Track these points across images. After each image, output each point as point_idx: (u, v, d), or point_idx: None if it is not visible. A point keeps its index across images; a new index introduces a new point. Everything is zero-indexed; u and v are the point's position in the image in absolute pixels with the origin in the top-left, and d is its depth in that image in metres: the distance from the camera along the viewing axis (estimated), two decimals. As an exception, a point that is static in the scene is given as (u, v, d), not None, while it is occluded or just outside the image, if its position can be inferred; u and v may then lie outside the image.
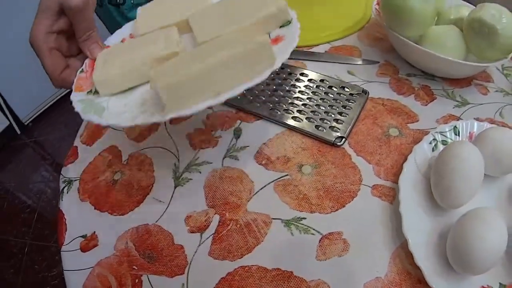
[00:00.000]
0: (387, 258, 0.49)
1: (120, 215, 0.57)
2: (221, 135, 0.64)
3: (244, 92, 0.67)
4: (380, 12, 0.73)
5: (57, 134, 2.34)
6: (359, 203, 0.54)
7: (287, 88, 0.69)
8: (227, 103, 0.68)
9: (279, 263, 0.49)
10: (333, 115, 0.64)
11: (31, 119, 2.41)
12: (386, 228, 0.52)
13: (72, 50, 0.57)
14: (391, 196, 0.55)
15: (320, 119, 0.63)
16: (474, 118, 0.62)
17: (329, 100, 0.66)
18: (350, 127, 0.62)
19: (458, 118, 0.64)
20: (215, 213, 0.55)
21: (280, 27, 0.55)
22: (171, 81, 0.44)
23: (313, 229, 0.52)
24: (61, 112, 2.46)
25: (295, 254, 0.50)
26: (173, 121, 0.68)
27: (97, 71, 0.53)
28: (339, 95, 0.67)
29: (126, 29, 0.62)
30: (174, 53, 0.53)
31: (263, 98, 0.68)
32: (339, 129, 0.62)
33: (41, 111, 2.44)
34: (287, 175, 0.58)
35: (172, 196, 0.58)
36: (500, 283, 0.46)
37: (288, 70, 0.73)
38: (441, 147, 0.57)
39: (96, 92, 0.53)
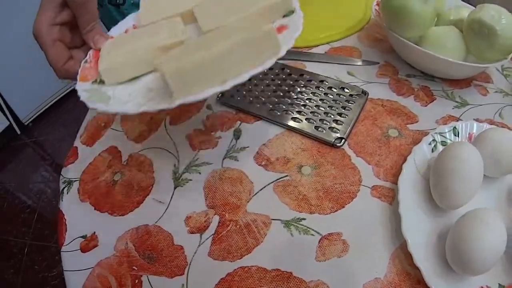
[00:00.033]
0: (386, 259, 0.49)
1: (120, 215, 0.57)
2: (221, 136, 0.64)
3: (244, 93, 0.68)
4: (380, 13, 0.73)
5: (57, 134, 2.34)
6: (358, 204, 0.54)
7: (286, 89, 0.69)
8: (227, 104, 0.68)
9: (279, 264, 0.50)
10: (332, 116, 0.64)
11: (31, 119, 2.41)
12: (385, 229, 0.52)
13: (75, 41, 0.57)
14: (391, 197, 0.55)
15: (320, 120, 0.63)
16: (474, 119, 0.62)
17: (328, 101, 0.66)
18: (349, 128, 0.62)
19: (458, 119, 0.64)
20: (215, 214, 0.55)
21: (284, 16, 0.55)
22: (179, 68, 0.44)
23: (313, 230, 0.52)
24: (61, 112, 2.47)
25: (295, 255, 0.50)
26: (172, 121, 0.68)
27: (102, 60, 0.53)
28: (339, 96, 0.67)
29: (129, 20, 0.62)
30: (179, 42, 0.53)
31: (263, 99, 0.68)
32: (338, 130, 0.62)
33: (41, 111, 2.44)
34: (286, 176, 0.58)
35: (172, 197, 0.58)
36: (499, 283, 0.46)
37: (288, 71, 0.73)
38: (440, 148, 0.57)
39: (101, 81, 0.54)
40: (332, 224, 0.53)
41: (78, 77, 0.53)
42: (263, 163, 0.60)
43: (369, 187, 0.56)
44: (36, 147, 2.30)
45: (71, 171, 0.65)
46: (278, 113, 0.65)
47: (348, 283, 0.47)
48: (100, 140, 0.68)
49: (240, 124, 0.66)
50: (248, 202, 0.56)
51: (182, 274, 0.50)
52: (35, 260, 1.74)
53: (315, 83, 0.70)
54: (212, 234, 0.53)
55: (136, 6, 0.68)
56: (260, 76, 0.72)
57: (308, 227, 0.52)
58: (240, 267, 0.50)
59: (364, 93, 0.67)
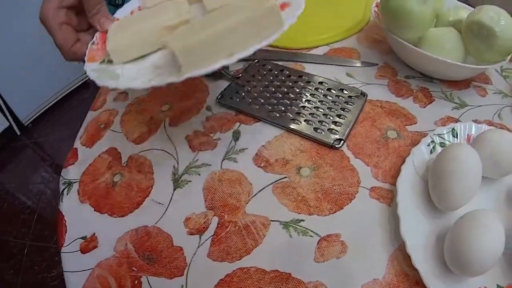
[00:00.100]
0: (385, 260, 0.49)
1: (119, 216, 0.57)
2: (220, 137, 0.65)
3: (243, 94, 0.68)
4: (379, 14, 0.73)
5: (56, 135, 2.34)
6: (357, 205, 0.54)
7: (285, 90, 0.69)
8: (226, 105, 0.69)
9: (278, 265, 0.50)
10: (331, 118, 0.64)
11: (31, 120, 2.41)
12: (384, 230, 0.52)
13: (82, 25, 0.58)
14: (389, 198, 0.55)
15: (319, 121, 0.63)
16: (473, 120, 0.62)
17: (327, 103, 0.66)
18: (348, 129, 0.62)
19: (457, 120, 0.64)
20: (214, 215, 0.55)
21: None
22: (186, 43, 0.46)
23: (312, 231, 0.52)
24: (61, 113, 2.47)
25: (294, 256, 0.50)
26: (172, 123, 0.68)
27: (110, 41, 0.55)
28: (338, 98, 0.67)
29: (134, 2, 0.63)
30: (185, 21, 0.55)
31: (262, 101, 0.68)
32: (337, 131, 0.62)
33: (41, 112, 2.45)
34: (285, 177, 0.58)
35: (171, 198, 0.58)
36: (497, 284, 0.46)
37: (287, 72, 0.73)
38: (439, 149, 0.57)
39: (109, 61, 0.55)
40: (331, 225, 0.53)
41: (86, 58, 0.55)
42: (262, 164, 0.60)
43: (367, 189, 0.56)
44: (36, 147, 2.31)
45: (71, 172, 0.65)
46: (277, 115, 0.65)
47: (346, 284, 0.47)
48: (100, 141, 0.69)
49: (239, 126, 0.66)
50: (247, 203, 0.56)
51: (181, 275, 0.50)
52: (35, 260, 1.74)
53: (314, 85, 0.70)
54: (211, 235, 0.53)
55: None
56: (260, 77, 0.72)
57: (306, 228, 0.52)
58: (239, 268, 0.50)
59: (363, 94, 0.67)
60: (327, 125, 0.63)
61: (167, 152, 0.64)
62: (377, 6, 0.76)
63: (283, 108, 0.66)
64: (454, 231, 0.46)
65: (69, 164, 0.66)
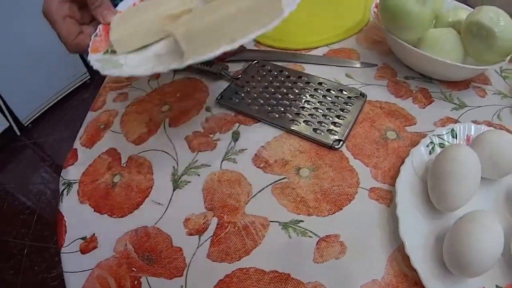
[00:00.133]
0: (384, 261, 0.49)
1: (119, 217, 0.58)
2: (220, 138, 0.65)
3: (243, 95, 0.69)
4: (378, 15, 0.73)
5: (56, 135, 2.34)
6: (356, 206, 0.55)
7: (285, 91, 0.69)
8: (226, 106, 0.69)
9: (277, 266, 0.50)
10: (331, 118, 0.64)
11: (30, 121, 2.41)
12: (383, 231, 0.52)
13: (84, 18, 0.60)
14: (388, 199, 0.55)
15: (318, 122, 0.64)
16: (472, 121, 0.62)
17: (327, 103, 0.66)
18: (348, 130, 0.62)
19: (456, 121, 0.64)
20: (214, 216, 0.55)
21: None
22: (189, 30, 0.47)
23: (311, 232, 0.52)
24: (60, 114, 2.47)
25: (293, 257, 0.50)
26: (172, 124, 0.68)
27: (113, 31, 0.56)
28: (337, 98, 0.67)
29: None
30: (188, 10, 0.57)
31: (261, 101, 0.68)
32: (337, 132, 0.62)
33: (40, 112, 2.45)
34: (285, 178, 0.58)
35: (171, 199, 0.58)
36: (496, 285, 0.46)
37: (286, 73, 0.73)
38: (438, 150, 0.57)
39: (112, 52, 0.57)
40: (330, 226, 0.53)
41: (89, 49, 0.56)
42: (261, 165, 0.60)
43: (367, 189, 0.56)
44: (36, 148, 2.31)
45: (71, 173, 0.65)
46: (277, 116, 0.65)
47: (345, 284, 0.47)
48: (100, 142, 0.69)
49: (238, 126, 0.66)
50: (246, 204, 0.56)
51: (181, 275, 0.50)
52: (35, 261, 1.74)
53: (314, 86, 0.70)
54: (211, 236, 0.53)
55: None
56: (259, 78, 0.72)
57: (306, 229, 0.52)
58: (239, 268, 0.50)
59: (363, 95, 0.67)
60: (326, 125, 0.63)
61: (166, 152, 0.64)
62: (376, 6, 0.76)
63: (282, 109, 0.66)
64: (453, 232, 0.46)
65: (69, 164, 0.66)
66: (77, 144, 0.69)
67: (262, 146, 0.62)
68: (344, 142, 0.61)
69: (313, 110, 0.66)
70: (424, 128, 0.63)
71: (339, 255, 0.50)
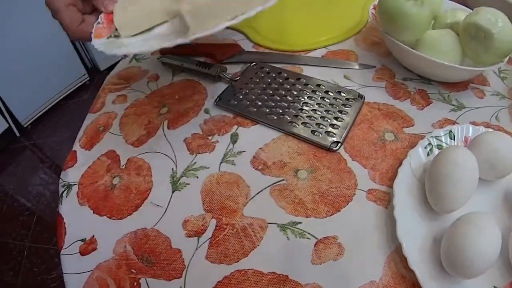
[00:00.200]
0: (381, 262, 0.49)
1: (118, 219, 0.58)
2: (218, 140, 0.65)
3: (241, 97, 0.69)
4: (377, 17, 0.73)
5: (56, 136, 2.35)
6: (354, 207, 0.55)
7: (283, 93, 0.70)
8: (224, 107, 0.69)
9: (275, 267, 0.50)
10: (329, 120, 0.64)
11: (30, 122, 2.41)
12: (381, 233, 0.52)
13: (86, 8, 0.61)
14: (386, 200, 0.55)
15: (316, 124, 0.64)
16: (470, 122, 0.62)
17: (325, 105, 0.67)
18: (346, 132, 0.62)
19: (454, 122, 0.64)
20: (212, 218, 0.55)
21: None
22: (194, 5, 0.51)
23: (309, 234, 0.52)
24: (60, 115, 2.47)
25: (291, 258, 0.50)
26: (170, 126, 0.68)
27: (117, 15, 0.58)
28: (335, 100, 0.67)
29: None
30: None
31: (260, 103, 0.68)
32: (335, 134, 0.62)
33: (40, 113, 2.45)
34: (283, 180, 0.58)
35: (169, 201, 0.58)
36: (494, 286, 0.46)
37: (285, 75, 0.73)
38: (436, 151, 0.58)
39: (115, 37, 0.58)
40: (328, 227, 0.53)
41: (92, 35, 0.58)
42: (259, 167, 0.60)
43: (364, 191, 0.56)
44: (35, 149, 2.31)
45: (70, 175, 0.65)
46: (275, 117, 0.65)
47: (343, 286, 0.48)
48: (99, 143, 0.69)
49: (237, 128, 0.66)
50: (244, 206, 0.56)
51: (179, 277, 0.51)
52: (34, 262, 1.75)
53: (312, 87, 0.70)
54: (209, 238, 0.53)
55: None
56: (257, 80, 0.72)
57: (304, 231, 0.53)
58: (237, 270, 0.50)
59: (361, 97, 0.68)
60: (324, 127, 0.63)
61: (165, 155, 0.64)
62: (374, 8, 0.76)
63: (280, 111, 0.66)
64: (450, 234, 0.46)
65: (68, 166, 0.66)
66: (76, 146, 0.70)
67: (261, 148, 0.63)
68: (342, 144, 0.61)
69: (311, 112, 0.66)
70: (422, 129, 0.63)
71: (337, 256, 0.50)
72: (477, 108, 0.67)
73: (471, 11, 0.65)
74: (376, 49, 0.80)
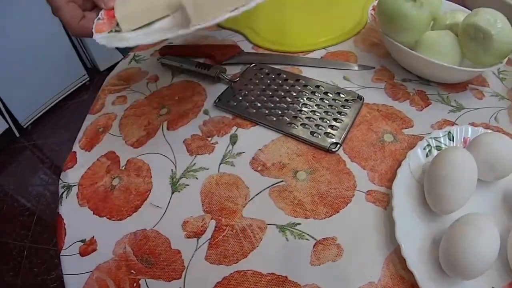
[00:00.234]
0: (380, 263, 0.49)
1: (118, 220, 0.58)
2: (218, 141, 0.65)
3: (240, 98, 0.69)
4: (376, 18, 0.73)
5: (55, 137, 2.35)
6: (353, 209, 0.55)
7: (282, 94, 0.70)
8: (224, 109, 0.69)
9: (274, 268, 0.50)
10: (328, 121, 0.64)
11: (30, 122, 2.42)
12: (379, 234, 0.52)
13: (86, 5, 0.61)
14: (385, 201, 0.55)
15: (315, 125, 0.64)
16: (469, 123, 0.63)
17: (324, 106, 0.67)
18: (345, 133, 0.63)
19: (453, 123, 0.64)
20: (212, 219, 0.55)
21: None
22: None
23: (308, 235, 0.52)
24: (59, 115, 2.48)
25: (290, 259, 0.51)
26: (170, 127, 0.69)
27: (118, 11, 0.59)
28: (335, 101, 0.67)
29: None
30: None
31: (259, 104, 0.68)
32: (334, 135, 0.62)
33: (40, 114, 2.45)
34: (282, 181, 0.58)
35: (169, 202, 0.58)
36: (493, 287, 0.46)
37: (284, 76, 0.73)
38: (435, 152, 0.58)
39: (116, 31, 0.59)
40: (327, 228, 0.53)
41: (93, 30, 0.58)
42: (259, 168, 0.60)
43: (363, 192, 0.56)
44: (35, 150, 2.31)
45: (70, 176, 0.65)
46: (274, 119, 0.66)
47: (342, 287, 0.48)
48: (99, 145, 0.69)
49: (236, 130, 0.66)
50: (244, 207, 0.56)
51: (179, 277, 0.51)
52: (34, 262, 1.75)
53: (311, 88, 0.70)
54: (209, 239, 0.54)
55: None
56: (257, 81, 0.73)
57: (303, 232, 0.53)
58: (236, 271, 0.50)
59: (360, 98, 0.68)
60: (323, 129, 0.63)
61: (165, 156, 0.64)
62: (373, 9, 0.76)
63: (280, 112, 0.67)
64: (449, 235, 0.46)
65: (68, 167, 0.66)
66: (76, 147, 0.70)
67: (260, 149, 0.63)
68: (341, 145, 0.61)
69: (310, 113, 0.66)
70: (421, 130, 0.63)
71: (336, 257, 0.50)
72: (476, 109, 0.67)
73: (470, 12, 0.65)
74: (375, 50, 0.80)
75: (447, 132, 0.59)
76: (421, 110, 0.67)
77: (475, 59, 0.66)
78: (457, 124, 0.64)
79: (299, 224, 0.54)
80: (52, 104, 2.51)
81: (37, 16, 2.07)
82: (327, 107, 0.67)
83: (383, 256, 0.50)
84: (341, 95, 0.68)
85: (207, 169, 0.61)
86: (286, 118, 0.65)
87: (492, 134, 0.55)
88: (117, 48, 0.91)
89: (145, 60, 0.87)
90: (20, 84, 2.23)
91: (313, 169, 0.59)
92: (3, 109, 2.21)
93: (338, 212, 0.54)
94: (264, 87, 0.71)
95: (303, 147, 0.62)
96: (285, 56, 0.80)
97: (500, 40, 0.61)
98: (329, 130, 0.63)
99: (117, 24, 0.59)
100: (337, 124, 0.64)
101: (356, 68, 0.75)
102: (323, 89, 0.70)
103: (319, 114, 0.65)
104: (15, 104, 2.27)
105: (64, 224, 0.59)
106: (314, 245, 0.51)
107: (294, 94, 0.70)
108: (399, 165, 0.56)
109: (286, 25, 0.88)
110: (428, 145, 0.58)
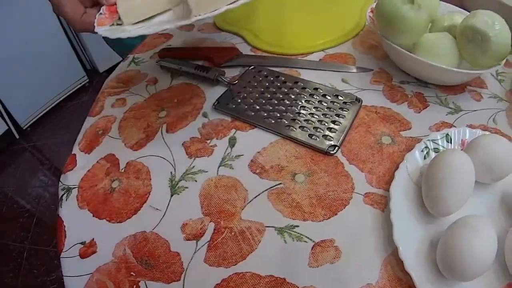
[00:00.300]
0: (378, 265, 0.49)
1: (118, 222, 0.58)
2: (216, 144, 0.65)
3: (239, 101, 0.69)
4: (374, 20, 0.73)
5: (55, 138, 2.35)
6: (351, 211, 0.55)
7: (281, 96, 0.70)
8: (222, 111, 0.69)
9: (273, 270, 0.50)
10: (326, 124, 0.65)
11: (29, 124, 2.42)
12: (377, 236, 0.52)
13: (86, 2, 0.62)
14: (383, 204, 0.55)
15: (314, 128, 0.64)
16: (467, 125, 0.63)
17: (322, 109, 0.67)
18: (343, 135, 0.63)
19: (451, 125, 0.64)
20: (210, 221, 0.56)
21: None
22: None
23: (306, 237, 0.53)
24: (59, 117, 2.48)
25: (288, 261, 0.51)
26: (169, 129, 0.69)
27: (121, 5, 0.60)
28: (333, 104, 0.68)
29: None
30: None
31: (258, 107, 0.68)
32: (332, 137, 0.62)
33: (39, 115, 2.45)
34: (280, 183, 0.59)
35: (168, 204, 0.59)
36: (491, 288, 0.47)
37: (282, 78, 0.74)
38: (433, 154, 0.58)
39: (118, 25, 0.60)
40: (325, 231, 0.53)
41: (95, 24, 0.59)
42: (257, 171, 0.61)
43: (361, 194, 0.57)
44: (35, 151, 2.31)
45: (70, 178, 0.65)
46: (273, 121, 0.66)
47: (340, 289, 0.48)
48: (98, 147, 0.69)
49: (235, 132, 0.66)
50: (242, 209, 0.56)
51: (178, 280, 0.51)
52: (34, 264, 1.75)
53: (310, 91, 0.70)
54: (208, 241, 0.54)
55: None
56: (255, 84, 0.73)
57: (301, 234, 0.53)
58: (235, 273, 0.50)
59: (358, 100, 0.68)
60: (322, 131, 0.63)
61: (164, 158, 0.64)
62: (372, 11, 0.76)
63: (278, 115, 0.67)
64: (447, 237, 0.46)
65: (68, 170, 0.67)
66: (76, 150, 0.70)
67: (258, 152, 0.63)
68: (339, 148, 0.62)
69: (308, 115, 0.66)
70: (419, 133, 0.64)
71: (334, 259, 0.50)
72: (474, 111, 0.67)
73: (468, 14, 0.65)
74: (374, 52, 0.80)
75: (445, 134, 0.60)
76: (419, 112, 0.67)
77: (473, 61, 0.66)
78: (455, 126, 0.64)
79: (297, 226, 0.54)
80: (52, 106, 2.51)
81: (36, 16, 2.08)
82: (326, 109, 0.67)
83: (381, 258, 0.50)
84: (340, 98, 0.69)
85: (206, 171, 0.62)
86: (285, 120, 0.66)
87: (490, 136, 0.55)
88: (116, 51, 0.92)
89: (144, 62, 0.87)
90: (20, 85, 2.24)
91: (311, 171, 0.60)
92: (2, 111, 2.21)
93: (336, 214, 0.55)
94: (262, 89, 0.72)
95: (302, 149, 0.63)
96: (283, 58, 0.80)
97: (498, 42, 0.61)
98: (327, 132, 0.63)
99: (119, 18, 0.60)
100: (335, 127, 0.64)
101: (355, 70, 0.76)
102: (321, 91, 0.70)
103: (317, 117, 0.66)
104: (15, 105, 2.27)
105: (64, 226, 0.59)
106: (312, 247, 0.52)
107: (293, 96, 0.70)
108: (397, 167, 0.57)
109: (285, 26, 0.89)
110: (426, 147, 0.59)
